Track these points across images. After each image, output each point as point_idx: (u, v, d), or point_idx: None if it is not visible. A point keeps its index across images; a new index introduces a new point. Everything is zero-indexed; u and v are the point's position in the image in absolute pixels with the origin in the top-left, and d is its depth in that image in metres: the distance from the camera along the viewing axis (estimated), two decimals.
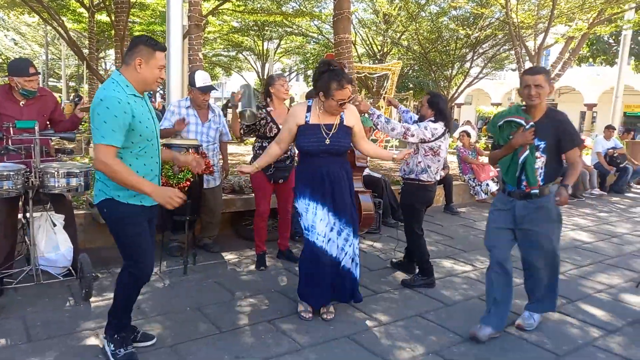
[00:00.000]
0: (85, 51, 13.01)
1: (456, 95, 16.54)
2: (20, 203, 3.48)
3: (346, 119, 3.22)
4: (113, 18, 9.78)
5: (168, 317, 3.15)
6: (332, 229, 3.17)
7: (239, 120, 3.96)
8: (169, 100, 4.96)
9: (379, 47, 17.72)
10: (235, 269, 4.18)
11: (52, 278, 3.51)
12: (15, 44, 24.10)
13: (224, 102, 21.90)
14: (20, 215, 3.59)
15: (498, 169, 3.69)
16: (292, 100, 23.82)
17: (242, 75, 26.18)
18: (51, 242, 3.55)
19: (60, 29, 11.07)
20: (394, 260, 4.41)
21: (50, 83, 26.32)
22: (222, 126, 4.46)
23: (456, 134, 10.91)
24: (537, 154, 2.90)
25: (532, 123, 2.89)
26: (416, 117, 4.19)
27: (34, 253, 3.41)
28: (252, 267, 4.20)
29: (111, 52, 20.65)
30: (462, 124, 10.79)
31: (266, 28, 17.87)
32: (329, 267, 3.18)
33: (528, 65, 9.56)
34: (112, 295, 2.66)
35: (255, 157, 4.12)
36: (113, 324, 2.62)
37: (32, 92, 3.52)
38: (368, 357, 2.81)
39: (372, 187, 5.71)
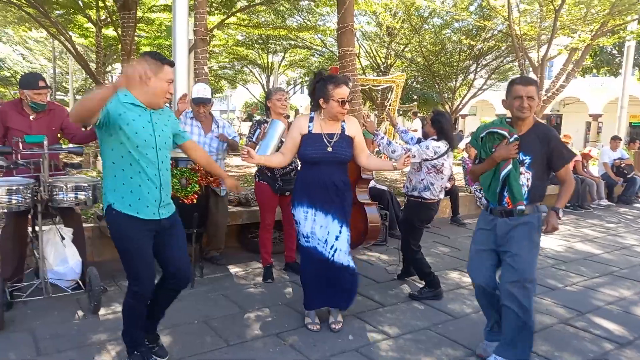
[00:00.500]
0: (93, 65, 13.16)
1: (460, 106, 16.57)
2: (30, 217, 3.51)
3: (347, 129, 3.24)
4: (120, 32, 9.91)
5: (175, 330, 3.15)
6: (329, 233, 3.17)
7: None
8: None
9: (383, 60, 17.83)
10: (242, 281, 4.18)
11: (61, 291, 3.52)
12: (24, 58, 24.39)
13: (238, 114, 21.63)
14: (29, 229, 3.61)
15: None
16: (296, 112, 23.97)
17: (247, 88, 26.35)
18: (60, 255, 3.56)
19: (68, 43, 11.24)
20: (400, 272, 4.39)
21: (57, 96, 26.57)
22: (231, 136, 4.43)
23: (462, 145, 10.89)
24: (522, 169, 2.67)
25: (516, 136, 2.68)
26: (414, 136, 4.27)
27: (43, 266, 3.42)
28: (259, 279, 4.20)
29: (118, 66, 20.88)
30: (468, 136, 10.79)
31: (270, 41, 18.03)
32: (331, 271, 3.19)
33: (532, 76, 9.57)
34: (120, 307, 2.66)
35: (259, 170, 4.14)
36: (127, 344, 2.63)
37: (41, 105, 3.57)
38: None
39: (378, 199, 5.71)
